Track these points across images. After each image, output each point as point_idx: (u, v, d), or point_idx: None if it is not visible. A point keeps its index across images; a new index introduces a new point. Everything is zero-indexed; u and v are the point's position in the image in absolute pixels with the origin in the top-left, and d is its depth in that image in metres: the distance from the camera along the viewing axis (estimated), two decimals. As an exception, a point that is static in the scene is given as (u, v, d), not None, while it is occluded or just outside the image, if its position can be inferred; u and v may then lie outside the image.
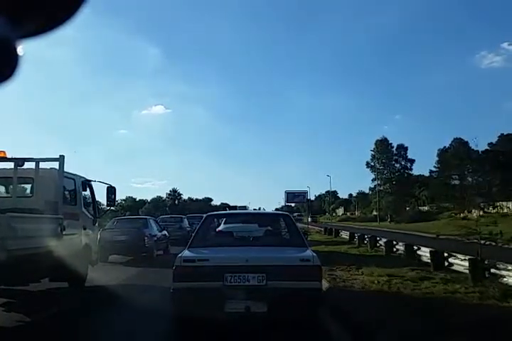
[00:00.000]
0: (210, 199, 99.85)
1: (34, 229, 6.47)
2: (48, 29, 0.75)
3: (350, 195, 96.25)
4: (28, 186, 8.30)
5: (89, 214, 9.29)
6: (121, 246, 13.46)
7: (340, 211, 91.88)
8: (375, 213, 68.11)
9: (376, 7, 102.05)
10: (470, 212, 41.95)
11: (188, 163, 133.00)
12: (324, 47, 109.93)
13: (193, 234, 6.25)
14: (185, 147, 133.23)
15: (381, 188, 64.84)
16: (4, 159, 7.53)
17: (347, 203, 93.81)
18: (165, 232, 16.25)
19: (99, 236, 13.66)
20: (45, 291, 7.68)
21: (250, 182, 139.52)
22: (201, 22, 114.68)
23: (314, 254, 5.23)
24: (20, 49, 0.72)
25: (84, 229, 8.78)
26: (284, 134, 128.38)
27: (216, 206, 75.72)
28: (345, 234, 23.04)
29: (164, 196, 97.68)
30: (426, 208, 58.32)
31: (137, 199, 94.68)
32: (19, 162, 7.54)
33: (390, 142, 65.84)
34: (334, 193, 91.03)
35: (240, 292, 4.78)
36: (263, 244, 6.12)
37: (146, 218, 16.81)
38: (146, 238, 13.93)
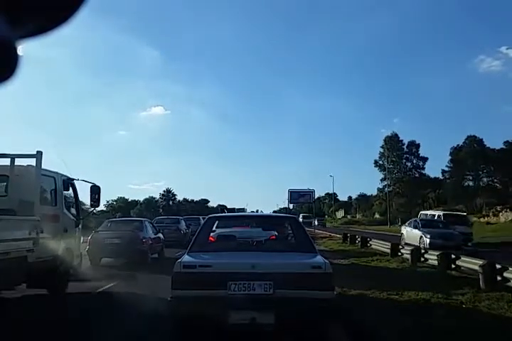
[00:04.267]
0: (207, 201, 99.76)
1: (7, 232, 6.30)
2: (48, 29, 0.78)
3: (350, 198, 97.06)
4: (2, 184, 8.02)
5: (71, 216, 9.09)
6: (114, 249, 13.45)
7: (340, 213, 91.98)
8: (377, 216, 67.32)
9: (375, 9, 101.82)
10: (496, 215, 41.55)
11: (187, 164, 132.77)
12: (324, 48, 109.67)
13: (194, 238, 6.08)
14: (184, 148, 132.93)
15: (390, 189, 62.74)
16: None
17: (347, 205, 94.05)
18: (160, 235, 16.36)
19: (91, 239, 13.81)
20: (21, 298, 7.52)
21: (248, 184, 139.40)
22: (201, 23, 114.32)
23: (326, 261, 5.09)
24: (20, 49, 0.75)
25: (66, 231, 8.59)
26: (283, 136, 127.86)
27: (213, 208, 75.55)
28: (375, 244, 18.25)
29: (157, 197, 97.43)
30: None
31: (129, 200, 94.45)
32: None
33: (400, 139, 63.89)
34: (334, 195, 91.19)
35: (245, 301, 4.58)
36: (269, 249, 5.98)
37: (141, 220, 16.81)
38: (140, 241, 13.95)
